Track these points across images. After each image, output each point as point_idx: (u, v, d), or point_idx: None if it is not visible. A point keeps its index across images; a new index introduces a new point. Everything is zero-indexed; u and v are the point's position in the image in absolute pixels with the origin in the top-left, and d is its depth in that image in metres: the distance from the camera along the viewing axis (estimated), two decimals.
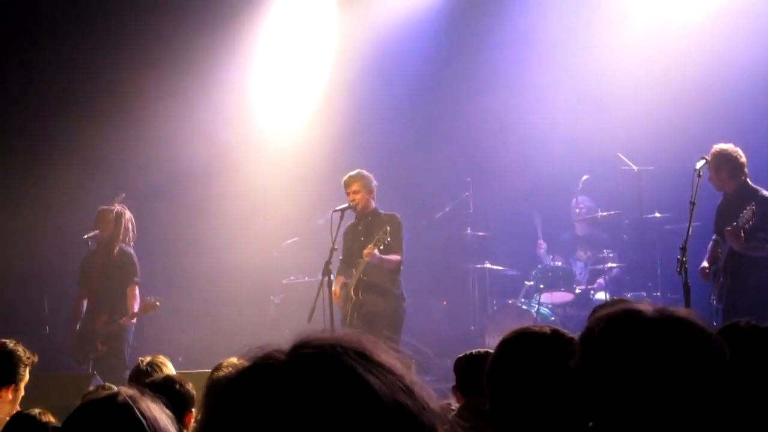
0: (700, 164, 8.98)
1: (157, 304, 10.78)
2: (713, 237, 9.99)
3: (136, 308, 10.79)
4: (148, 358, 5.58)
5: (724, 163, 9.66)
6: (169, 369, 5.46)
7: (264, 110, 13.95)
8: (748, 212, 9.23)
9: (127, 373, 8.00)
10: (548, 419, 2.99)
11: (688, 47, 12.50)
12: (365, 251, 9.90)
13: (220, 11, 13.36)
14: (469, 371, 4.78)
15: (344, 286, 10.33)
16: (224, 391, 1.41)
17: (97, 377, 9.42)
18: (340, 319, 10.29)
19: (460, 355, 5.08)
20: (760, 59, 12.05)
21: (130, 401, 2.65)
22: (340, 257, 10.53)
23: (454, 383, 4.99)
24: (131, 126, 12.95)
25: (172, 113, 13.11)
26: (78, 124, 12.97)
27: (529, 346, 3.16)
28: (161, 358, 5.57)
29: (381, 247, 9.90)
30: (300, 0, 14.00)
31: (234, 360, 4.98)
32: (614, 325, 2.23)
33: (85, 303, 11.04)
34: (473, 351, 5.07)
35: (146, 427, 2.61)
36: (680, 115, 12.15)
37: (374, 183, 10.39)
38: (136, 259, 10.99)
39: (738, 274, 9.54)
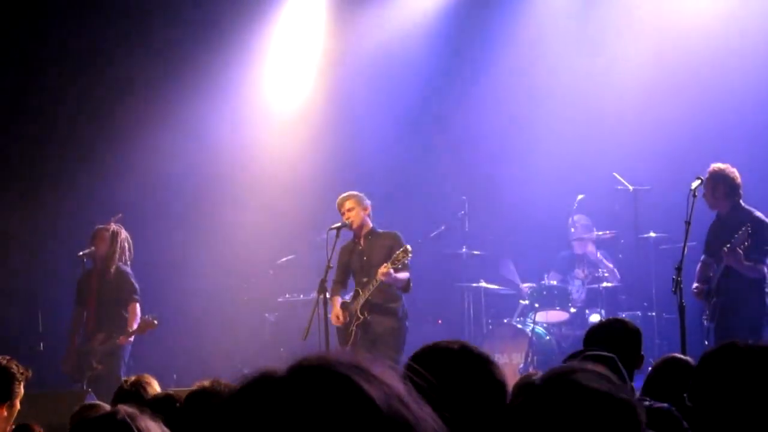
0: (695, 184, 9.01)
1: (155, 322, 10.75)
2: (702, 258, 10.02)
3: (135, 325, 10.78)
4: (133, 378, 5.49)
5: (720, 182, 9.71)
6: (155, 388, 5.37)
7: (258, 129, 13.94)
8: (743, 233, 9.28)
9: None
10: None
11: (684, 68, 12.55)
12: (382, 270, 9.84)
13: (221, 23, 13.38)
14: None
15: (345, 305, 10.31)
16: (225, 405, 1.43)
17: (92, 395, 9.39)
18: (340, 338, 10.28)
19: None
20: (757, 81, 12.09)
21: (128, 419, 2.65)
22: (334, 278, 10.52)
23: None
24: (126, 145, 12.96)
25: (167, 136, 13.10)
26: (74, 142, 12.99)
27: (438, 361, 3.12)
28: (147, 377, 5.48)
29: (399, 266, 9.89)
30: (298, 16, 13.99)
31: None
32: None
33: (81, 321, 11.02)
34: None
35: None
36: (676, 135, 12.20)
37: (368, 202, 10.38)
38: (133, 277, 10.99)
39: (730, 294, 9.59)
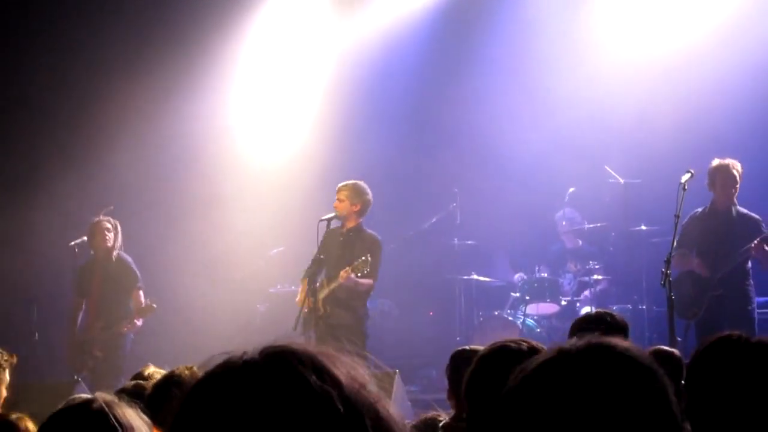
0: (685, 177, 8.97)
1: (154, 306, 10.86)
2: (681, 251, 9.90)
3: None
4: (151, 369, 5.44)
5: (735, 178, 9.68)
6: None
7: (250, 119, 13.93)
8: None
9: (122, 379, 7.98)
10: None
11: (675, 62, 12.56)
12: (342, 273, 9.81)
13: (207, 19, 13.35)
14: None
15: (311, 291, 10.19)
16: (191, 392, 1.46)
17: (82, 385, 9.40)
18: (305, 323, 10.20)
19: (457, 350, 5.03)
20: (746, 74, 12.09)
21: (105, 407, 2.65)
22: (313, 257, 10.42)
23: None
24: (118, 138, 12.94)
25: (156, 126, 13.10)
26: (66, 134, 12.98)
27: (507, 362, 3.17)
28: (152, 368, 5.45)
29: (359, 275, 9.87)
30: (288, 12, 13.97)
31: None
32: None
33: (81, 311, 11.05)
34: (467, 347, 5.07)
35: None
36: (667, 129, 12.19)
37: (365, 198, 10.12)
38: (134, 264, 11.08)
39: (731, 289, 9.61)
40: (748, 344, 3.37)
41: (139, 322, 10.89)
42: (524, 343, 3.26)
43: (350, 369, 1.45)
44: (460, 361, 4.82)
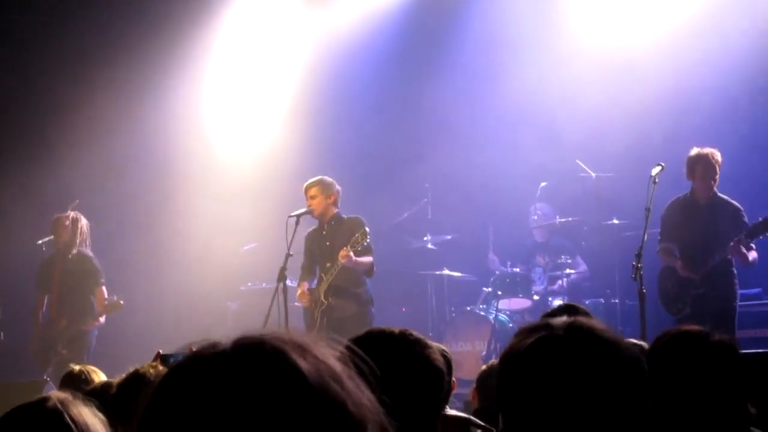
0: (656, 171, 8.97)
1: (122, 303, 10.82)
2: (665, 245, 9.92)
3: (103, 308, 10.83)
4: (77, 368, 5.48)
5: (715, 167, 9.63)
6: (99, 378, 5.35)
7: (221, 116, 13.87)
8: (759, 226, 9.33)
9: None
10: None
11: (645, 55, 12.58)
12: (341, 253, 9.80)
13: (179, 11, 13.29)
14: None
15: (311, 291, 10.27)
16: (162, 381, 1.46)
17: (51, 384, 9.32)
18: (306, 323, 10.24)
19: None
20: (717, 66, 12.11)
21: (60, 406, 2.59)
22: (301, 264, 10.49)
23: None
24: (84, 133, 12.85)
25: (126, 119, 13.02)
26: (33, 129, 12.88)
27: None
28: (90, 367, 5.47)
29: (359, 248, 9.85)
30: (261, 4, 13.90)
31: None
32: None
33: (44, 308, 10.99)
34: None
35: None
36: (639, 122, 12.21)
37: (336, 188, 10.28)
38: (96, 261, 11.01)
39: (717, 284, 9.56)
40: (706, 342, 3.40)
41: (102, 319, 10.82)
42: (396, 329, 3.24)
43: (324, 358, 1.44)
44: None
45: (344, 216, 10.38)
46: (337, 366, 1.44)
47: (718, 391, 3.29)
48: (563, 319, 2.19)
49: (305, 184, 10.32)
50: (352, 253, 9.81)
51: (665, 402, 3.30)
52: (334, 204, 10.30)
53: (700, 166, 9.59)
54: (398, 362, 2.97)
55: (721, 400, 3.29)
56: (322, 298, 10.12)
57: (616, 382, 2.06)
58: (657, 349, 3.51)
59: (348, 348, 1.56)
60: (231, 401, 1.37)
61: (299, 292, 10.30)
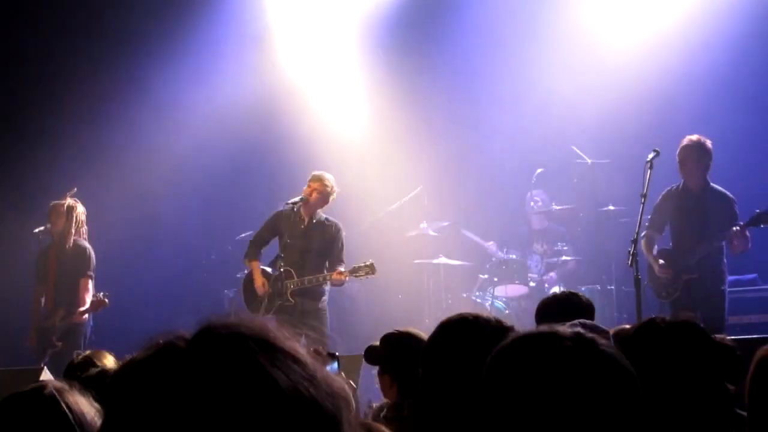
0: (651, 156, 8.97)
1: (106, 300, 10.65)
2: (647, 233, 9.92)
3: (88, 302, 10.67)
4: (87, 352, 5.35)
5: (705, 154, 9.64)
6: (110, 363, 5.22)
7: (221, 103, 13.82)
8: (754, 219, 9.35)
9: None
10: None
11: (641, 41, 12.58)
12: (339, 276, 9.89)
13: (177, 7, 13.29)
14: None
15: (273, 281, 10.19)
16: (122, 376, 1.42)
17: (47, 372, 9.31)
18: (252, 306, 10.19)
19: (389, 333, 4.92)
20: (714, 54, 12.12)
21: (56, 394, 2.59)
22: (255, 237, 10.60)
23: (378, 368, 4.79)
24: (81, 120, 12.84)
25: (125, 105, 13.02)
26: (26, 121, 12.86)
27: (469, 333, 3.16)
28: (100, 353, 5.31)
29: (355, 276, 9.93)
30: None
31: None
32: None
33: (42, 298, 10.91)
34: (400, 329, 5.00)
35: (72, 421, 2.55)
36: (634, 108, 12.21)
37: (330, 189, 10.24)
38: (90, 252, 10.86)
39: (707, 272, 9.57)
40: (672, 328, 3.39)
41: (85, 316, 10.69)
42: (493, 318, 3.24)
43: (292, 351, 1.40)
44: (398, 344, 4.73)
45: (326, 220, 10.34)
46: (308, 360, 1.41)
47: (688, 373, 3.26)
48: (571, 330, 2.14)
49: (314, 173, 10.30)
50: (347, 279, 9.91)
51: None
52: (323, 203, 10.28)
53: (690, 155, 9.60)
54: None
55: (693, 381, 3.26)
56: (289, 296, 10.08)
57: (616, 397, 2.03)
58: (624, 341, 3.50)
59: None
60: (192, 408, 1.33)
61: (256, 280, 10.25)
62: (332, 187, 10.24)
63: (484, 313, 3.35)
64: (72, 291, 10.75)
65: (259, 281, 10.21)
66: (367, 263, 9.92)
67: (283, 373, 1.35)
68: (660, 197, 9.98)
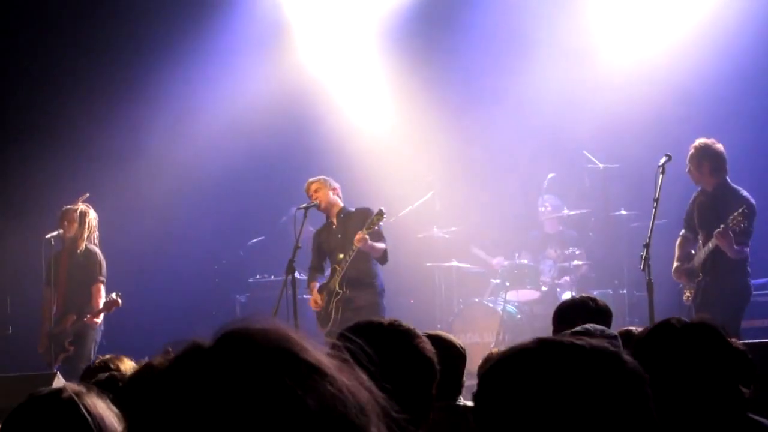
0: (663, 161, 8.95)
1: (119, 300, 10.63)
2: (682, 233, 9.90)
3: (101, 305, 10.68)
4: (107, 357, 5.34)
5: (705, 157, 9.57)
6: (128, 367, 5.21)
7: (234, 109, 13.83)
8: (738, 216, 9.15)
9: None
10: None
11: (654, 47, 12.56)
12: (357, 237, 9.85)
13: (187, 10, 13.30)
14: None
15: (322, 287, 10.29)
16: (146, 380, 1.40)
17: (60, 377, 9.31)
18: (320, 319, 10.24)
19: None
20: (726, 59, 12.10)
21: (75, 397, 2.59)
22: (310, 264, 10.53)
23: None
24: (93, 125, 12.86)
25: (139, 110, 13.04)
26: (39, 125, 12.89)
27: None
28: (118, 358, 5.30)
29: (374, 228, 9.90)
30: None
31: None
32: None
33: (52, 302, 10.92)
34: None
35: (91, 425, 2.55)
36: (645, 113, 12.19)
37: (334, 183, 10.40)
38: (101, 257, 10.86)
39: (718, 274, 9.47)
40: (688, 329, 3.37)
41: (97, 320, 10.69)
42: (386, 320, 3.26)
43: (317, 363, 1.36)
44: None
45: (352, 209, 10.42)
46: (332, 372, 1.36)
47: (702, 375, 3.26)
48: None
49: (306, 185, 10.38)
50: (367, 236, 9.85)
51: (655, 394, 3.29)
52: (338, 196, 10.39)
53: (689, 162, 9.59)
54: (389, 352, 2.94)
55: (707, 384, 3.25)
56: (337, 288, 10.14)
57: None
58: (639, 342, 3.48)
59: (343, 337, 1.50)
60: (212, 403, 1.31)
61: (312, 296, 10.38)
62: (329, 180, 10.36)
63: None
64: (83, 296, 10.74)
65: (311, 300, 10.33)
66: (375, 212, 9.94)
67: (311, 394, 1.32)
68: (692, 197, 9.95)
